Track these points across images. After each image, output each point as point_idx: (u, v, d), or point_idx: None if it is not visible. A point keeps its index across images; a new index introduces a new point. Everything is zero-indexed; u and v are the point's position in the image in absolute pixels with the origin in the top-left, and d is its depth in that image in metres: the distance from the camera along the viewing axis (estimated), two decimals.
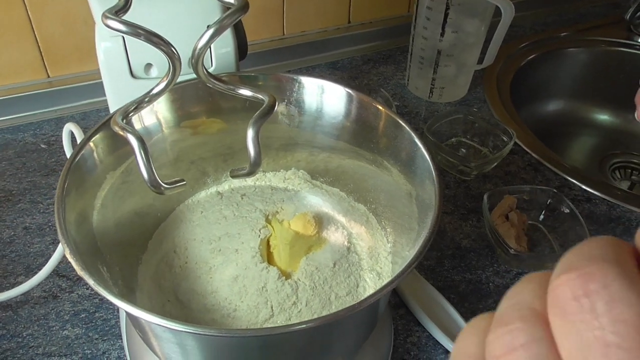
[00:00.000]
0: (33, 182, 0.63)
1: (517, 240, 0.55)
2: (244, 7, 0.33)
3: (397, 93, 0.79)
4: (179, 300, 0.44)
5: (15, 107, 0.70)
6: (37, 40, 0.69)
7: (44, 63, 0.72)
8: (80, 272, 0.31)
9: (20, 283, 0.50)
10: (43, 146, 0.68)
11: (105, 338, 0.48)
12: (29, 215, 0.59)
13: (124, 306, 0.30)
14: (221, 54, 0.51)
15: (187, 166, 0.51)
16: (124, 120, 0.32)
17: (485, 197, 0.57)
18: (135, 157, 0.30)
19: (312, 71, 0.83)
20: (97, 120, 0.73)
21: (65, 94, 0.72)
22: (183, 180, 0.33)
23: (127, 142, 0.32)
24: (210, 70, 0.52)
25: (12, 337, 0.48)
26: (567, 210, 0.57)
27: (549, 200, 0.58)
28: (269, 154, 0.53)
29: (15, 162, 0.65)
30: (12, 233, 0.57)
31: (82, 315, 0.50)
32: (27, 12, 0.67)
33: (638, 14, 0.88)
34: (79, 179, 0.38)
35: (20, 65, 0.71)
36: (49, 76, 0.73)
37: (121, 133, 0.31)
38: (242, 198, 0.50)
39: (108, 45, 0.48)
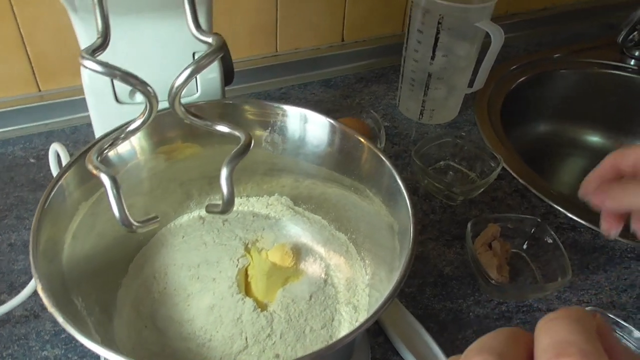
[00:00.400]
0: (20, 197, 0.63)
1: (499, 270, 0.55)
2: (221, 48, 0.33)
3: (388, 113, 0.79)
4: (157, 327, 0.44)
5: (5, 121, 0.70)
6: (28, 54, 0.70)
7: (35, 77, 0.72)
8: (50, 309, 0.32)
9: (3, 301, 0.50)
10: (32, 160, 0.68)
11: None
12: (14, 232, 0.59)
13: (92, 346, 0.30)
14: (207, 79, 0.51)
15: (174, 188, 0.51)
16: (99, 158, 0.33)
17: (469, 225, 0.57)
18: (107, 197, 0.31)
19: (304, 89, 0.83)
20: (88, 134, 0.73)
21: (56, 107, 0.72)
22: (156, 217, 0.34)
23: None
24: (196, 95, 0.52)
25: None
26: (550, 240, 0.57)
27: (532, 229, 0.59)
28: (254, 178, 0.53)
29: (3, 176, 0.65)
30: None
31: (63, 336, 0.50)
32: (18, 25, 0.67)
33: (630, 37, 0.89)
34: (55, 210, 0.38)
35: (11, 79, 0.71)
36: (39, 90, 0.73)
37: (94, 172, 0.31)
38: (223, 224, 0.50)
39: None
